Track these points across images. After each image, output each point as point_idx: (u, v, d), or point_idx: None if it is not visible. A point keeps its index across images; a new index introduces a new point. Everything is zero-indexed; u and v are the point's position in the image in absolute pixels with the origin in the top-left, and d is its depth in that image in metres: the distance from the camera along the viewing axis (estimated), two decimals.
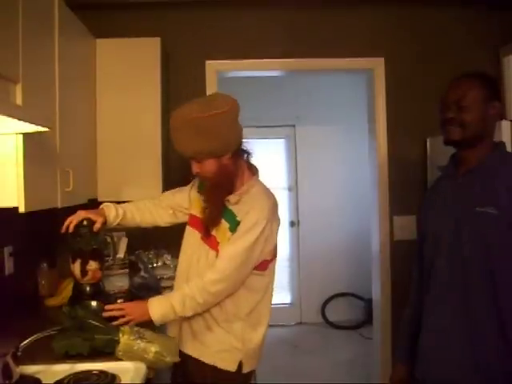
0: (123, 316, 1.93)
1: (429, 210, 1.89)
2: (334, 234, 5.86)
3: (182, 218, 2.29)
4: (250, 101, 5.53)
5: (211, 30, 3.35)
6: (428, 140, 3.34)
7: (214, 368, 2.01)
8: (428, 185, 3.30)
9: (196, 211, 2.16)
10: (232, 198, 2.02)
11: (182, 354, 1.99)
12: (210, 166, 1.96)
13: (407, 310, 2.03)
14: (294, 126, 5.92)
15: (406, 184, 3.42)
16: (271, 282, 2.14)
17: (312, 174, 5.88)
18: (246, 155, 2.09)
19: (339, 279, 5.91)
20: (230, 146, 1.97)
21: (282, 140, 6.06)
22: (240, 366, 2.03)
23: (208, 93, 3.30)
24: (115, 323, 1.91)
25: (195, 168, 2.00)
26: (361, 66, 3.47)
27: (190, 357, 2.06)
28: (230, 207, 2.03)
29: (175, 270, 2.84)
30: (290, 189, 5.93)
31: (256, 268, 2.02)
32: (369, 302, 5.20)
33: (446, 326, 1.71)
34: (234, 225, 2.00)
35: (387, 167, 3.42)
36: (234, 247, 1.96)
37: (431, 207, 1.88)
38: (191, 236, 2.15)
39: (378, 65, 3.43)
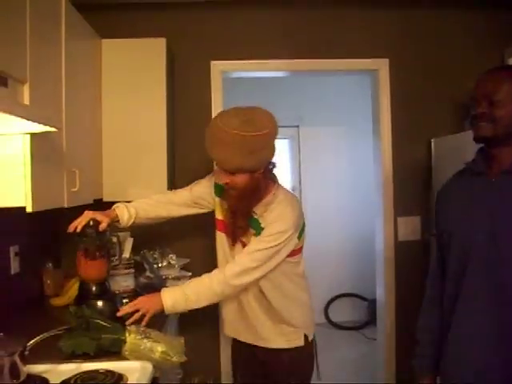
0: (137, 311, 2.00)
1: (452, 208, 1.80)
2: (337, 234, 5.86)
3: (197, 210, 2.38)
4: (254, 101, 5.51)
5: (216, 30, 3.35)
6: (433, 141, 3.34)
7: (285, 350, 2.21)
8: (433, 186, 3.29)
9: (222, 216, 2.25)
10: (258, 209, 2.11)
11: (251, 346, 2.26)
12: (241, 179, 2.01)
13: (425, 315, 1.93)
14: (297, 126, 5.92)
15: (410, 185, 3.42)
16: (303, 263, 2.30)
17: (315, 174, 5.88)
18: (272, 167, 2.15)
19: (342, 280, 5.92)
20: (265, 163, 2.05)
21: (286, 140, 6.05)
22: (305, 337, 2.25)
23: (213, 93, 3.31)
24: (131, 320, 1.96)
25: (225, 178, 2.03)
26: (365, 67, 3.47)
27: (260, 347, 2.25)
28: (256, 217, 2.12)
29: (180, 270, 2.88)
30: (293, 189, 5.92)
31: (288, 256, 2.14)
32: (372, 303, 5.20)
33: (477, 326, 1.66)
34: (259, 231, 2.09)
35: (392, 168, 3.42)
36: (255, 247, 2.07)
37: (454, 207, 1.78)
38: (228, 242, 2.23)
39: (382, 66, 3.42)
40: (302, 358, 2.26)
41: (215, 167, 2.12)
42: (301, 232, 2.17)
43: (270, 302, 2.18)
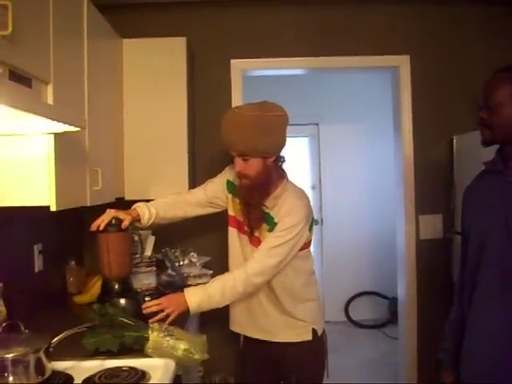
0: (162, 311, 2.01)
1: (473, 207, 1.81)
2: (358, 232, 5.84)
3: (212, 210, 2.40)
4: (274, 99, 5.53)
5: (236, 29, 3.36)
6: (454, 138, 3.30)
7: (294, 344, 2.22)
8: (455, 183, 3.26)
9: (233, 212, 2.29)
10: (268, 202, 2.15)
11: (260, 341, 2.27)
12: (255, 165, 2.06)
13: (453, 310, 1.94)
14: (317, 124, 5.91)
15: (432, 183, 3.39)
16: (312, 258, 2.36)
17: (336, 172, 5.87)
18: (281, 160, 2.20)
19: (363, 278, 5.90)
20: (278, 149, 2.11)
21: (306, 138, 6.04)
22: (314, 332, 2.24)
23: (233, 92, 3.33)
24: (155, 319, 1.97)
25: (239, 166, 2.08)
26: (386, 64, 3.44)
27: (270, 342, 2.26)
28: (267, 211, 2.15)
29: (201, 268, 2.89)
30: (313, 187, 5.92)
31: (300, 249, 2.18)
32: (393, 301, 5.19)
33: (490, 324, 1.66)
34: (273, 226, 2.13)
35: (413, 165, 3.39)
36: (272, 243, 2.09)
37: (475, 205, 1.80)
38: (239, 238, 2.27)
39: (403, 62, 3.40)
40: (311, 352, 2.27)
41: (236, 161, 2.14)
42: (311, 224, 2.21)
43: (279, 296, 2.20)
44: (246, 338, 2.41)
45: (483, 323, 1.69)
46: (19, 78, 1.55)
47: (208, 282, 2.20)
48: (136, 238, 2.38)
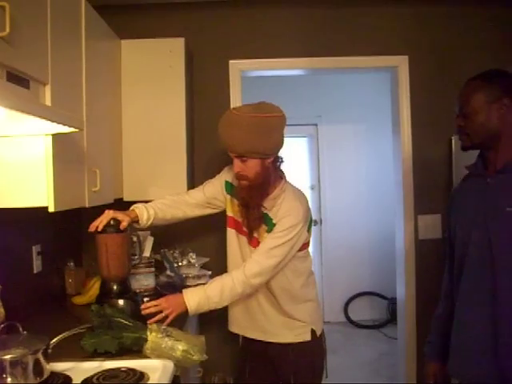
0: (160, 312, 2.02)
1: (457, 209, 1.88)
2: (357, 232, 5.85)
3: (210, 211, 2.41)
4: (273, 100, 5.51)
5: (234, 29, 3.35)
6: (453, 138, 3.30)
7: (292, 344, 2.22)
8: (454, 183, 3.26)
9: (232, 213, 2.29)
10: (267, 203, 2.15)
11: (259, 342, 2.28)
12: (253, 166, 2.06)
13: (439, 306, 2.03)
14: (316, 124, 5.92)
15: (430, 183, 3.38)
16: (310, 258, 2.36)
17: (335, 172, 5.87)
18: (279, 161, 2.20)
19: (362, 278, 5.90)
20: (276, 150, 2.11)
21: (305, 139, 6.05)
22: (313, 332, 2.25)
23: (232, 93, 3.32)
24: (153, 320, 1.97)
25: (237, 167, 2.09)
26: (384, 64, 3.44)
27: (269, 343, 2.26)
28: (266, 212, 2.15)
29: (200, 268, 2.89)
30: (312, 187, 5.93)
31: (299, 250, 2.19)
32: (392, 301, 5.19)
33: (474, 323, 1.71)
34: (271, 227, 2.13)
35: (412, 166, 3.39)
36: (270, 244, 2.09)
37: (459, 207, 1.87)
38: (238, 239, 2.28)
39: (401, 62, 3.39)
40: (310, 353, 2.27)
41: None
42: (309, 225, 2.22)
43: (278, 297, 2.21)
44: (244, 338, 2.41)
45: (470, 320, 1.74)
46: (17, 79, 1.55)
47: (207, 282, 2.20)
48: (134, 238, 2.38)
